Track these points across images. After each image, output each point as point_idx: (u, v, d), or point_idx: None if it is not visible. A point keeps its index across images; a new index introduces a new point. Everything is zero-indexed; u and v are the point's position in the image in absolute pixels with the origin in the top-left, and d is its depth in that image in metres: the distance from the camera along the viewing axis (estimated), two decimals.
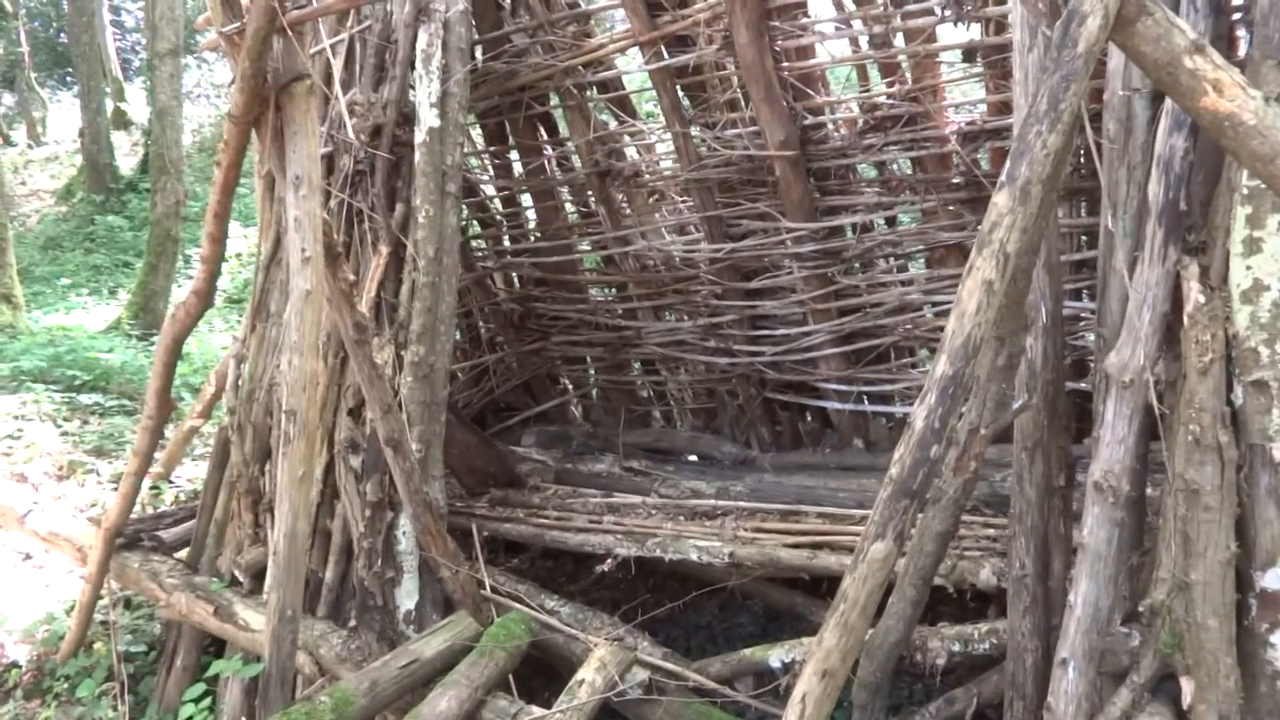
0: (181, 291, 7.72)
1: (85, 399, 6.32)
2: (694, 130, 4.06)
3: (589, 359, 5.12)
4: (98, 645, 4.11)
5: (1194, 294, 2.25)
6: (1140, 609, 2.31)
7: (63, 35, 20.05)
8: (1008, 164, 1.79)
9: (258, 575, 3.82)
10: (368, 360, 3.17)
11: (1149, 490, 2.47)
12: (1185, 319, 2.21)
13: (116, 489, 5.89)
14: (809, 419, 4.61)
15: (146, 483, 4.29)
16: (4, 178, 10.40)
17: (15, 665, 4.33)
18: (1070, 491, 2.72)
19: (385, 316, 3.74)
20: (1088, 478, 2.36)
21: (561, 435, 5.11)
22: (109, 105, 16.55)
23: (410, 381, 3.60)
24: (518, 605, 3.61)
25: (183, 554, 4.22)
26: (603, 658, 3.15)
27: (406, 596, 3.53)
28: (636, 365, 5.10)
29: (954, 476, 2.56)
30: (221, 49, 2.75)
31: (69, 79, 20.00)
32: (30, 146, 18.28)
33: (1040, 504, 2.64)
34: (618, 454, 4.70)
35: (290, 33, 2.69)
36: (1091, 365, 3.19)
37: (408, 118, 3.80)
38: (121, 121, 17.82)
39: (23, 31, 19.06)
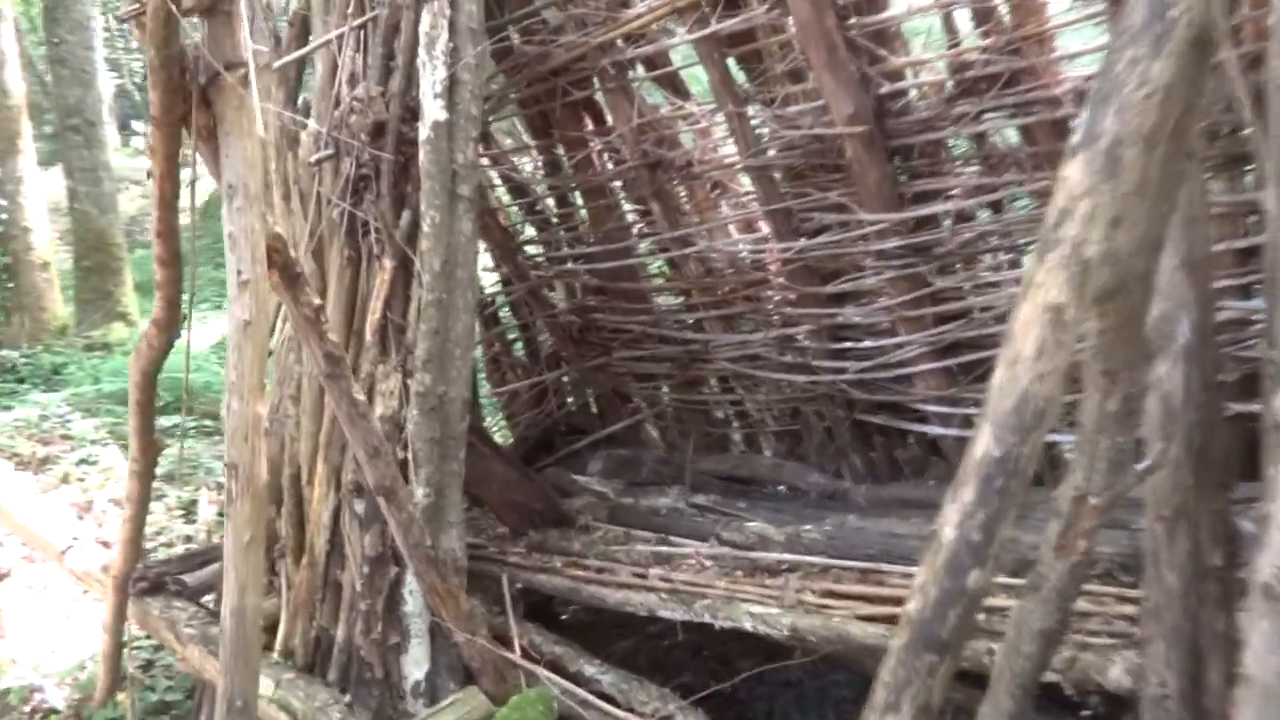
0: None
1: (165, 421, 6.17)
2: (751, 109, 3.41)
3: (658, 376, 4.53)
4: (122, 696, 3.83)
5: None
6: None
7: None
8: (1083, 115, 1.12)
9: (272, 629, 3.43)
10: (345, 397, 2.69)
11: None
12: None
13: (183, 517, 5.73)
14: (910, 445, 3.89)
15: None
16: (117, 201, 10.60)
17: (55, 711, 4.12)
18: (1232, 574, 1.97)
19: (393, 340, 3.27)
20: (1254, 573, 1.63)
21: (630, 461, 4.55)
22: None
23: (416, 415, 3.11)
24: (549, 675, 3.08)
25: (211, 598, 3.91)
26: None
27: (414, 665, 3.05)
28: (713, 382, 4.48)
29: (1057, 559, 1.85)
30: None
31: None
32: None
33: (1185, 595, 1.90)
34: (686, 485, 4.10)
35: (211, 14, 2.23)
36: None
37: (415, 112, 3.32)
38: None
39: None
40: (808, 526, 3.36)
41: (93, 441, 5.97)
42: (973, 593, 1.20)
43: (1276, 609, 1.59)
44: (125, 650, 3.82)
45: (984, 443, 1.19)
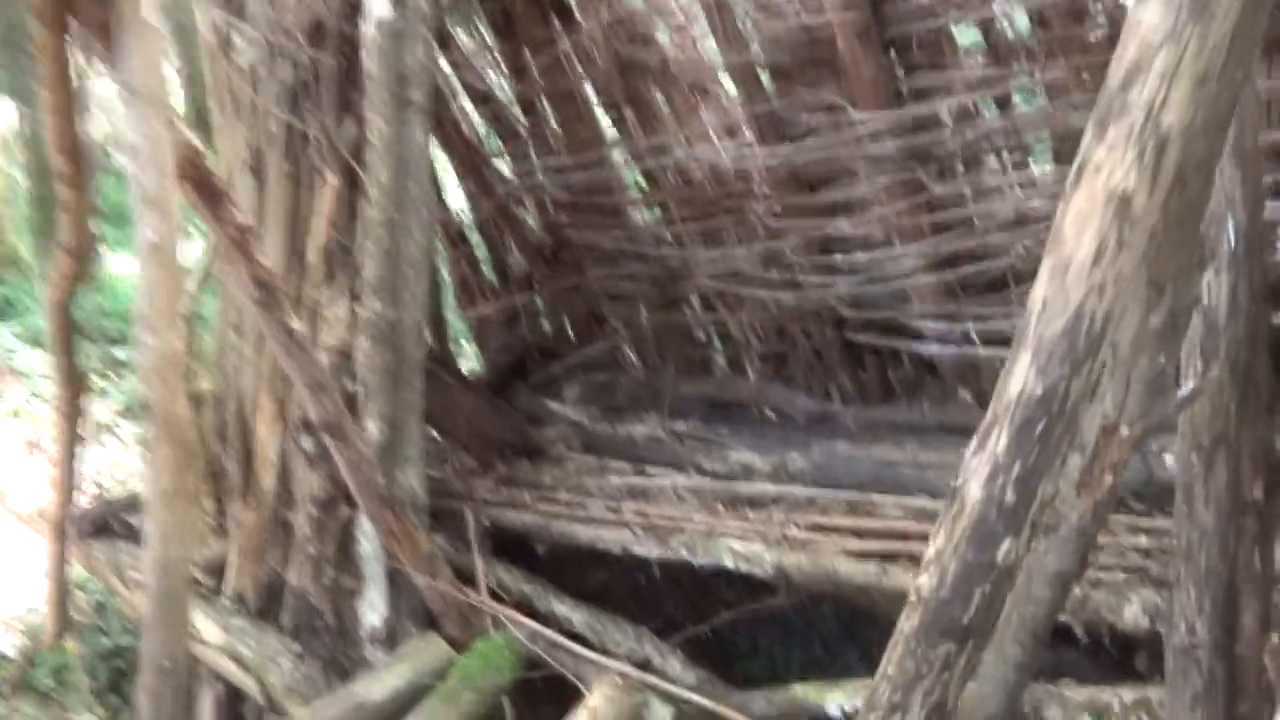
0: None
1: (122, 353, 5.89)
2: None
3: (635, 296, 4.25)
4: (69, 645, 3.63)
5: None
6: None
7: None
8: None
9: (219, 573, 3.21)
10: (279, 326, 2.42)
11: None
12: None
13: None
14: (904, 365, 3.64)
15: None
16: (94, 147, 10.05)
17: (3, 656, 3.93)
18: (1274, 509, 1.74)
19: (339, 263, 2.98)
20: None
21: (608, 386, 4.30)
22: None
23: (366, 345, 2.85)
24: (516, 617, 2.88)
25: None
26: (596, 707, 2.38)
27: (371, 610, 2.84)
28: (694, 301, 4.20)
29: (1080, 497, 1.62)
30: None
31: None
32: None
33: (1223, 534, 1.68)
34: (665, 411, 3.86)
35: None
36: None
37: (357, 9, 2.97)
38: None
39: None
40: (794, 454, 3.14)
41: (44, 376, 5.68)
42: (1004, 568, 0.96)
43: None
44: (71, 594, 3.61)
45: (1020, 376, 0.94)
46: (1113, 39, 2.47)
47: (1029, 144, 3.00)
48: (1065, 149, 2.90)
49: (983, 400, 3.34)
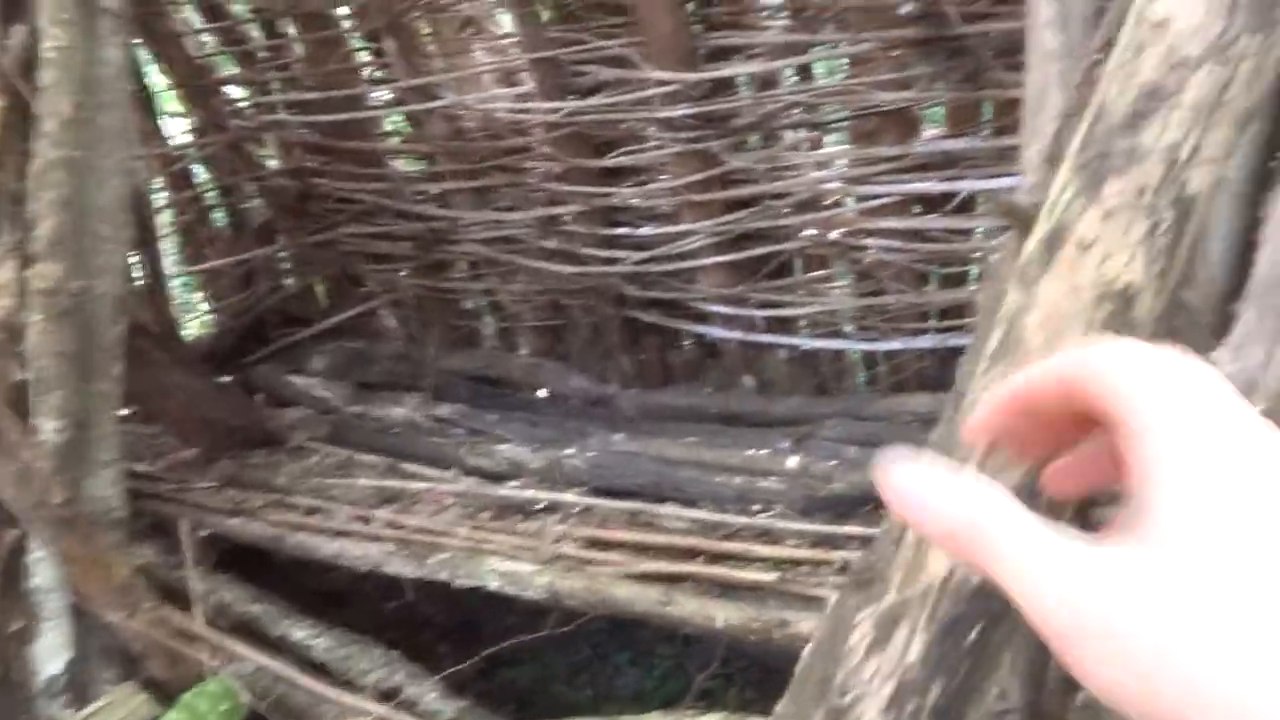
0: None
1: None
2: None
3: (396, 257, 3.77)
4: None
5: None
6: None
7: None
8: None
9: None
10: None
11: None
12: None
13: None
14: (685, 347, 3.41)
15: None
16: None
17: None
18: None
19: (5, 214, 2.34)
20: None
21: (363, 356, 3.82)
22: None
23: (41, 321, 2.25)
24: (240, 650, 2.43)
25: None
26: None
27: (50, 656, 2.29)
28: (462, 266, 3.78)
29: None
30: None
31: None
32: None
33: None
34: (428, 391, 3.45)
35: None
36: None
37: None
38: None
39: None
40: (569, 451, 2.83)
41: None
42: None
43: None
44: None
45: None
46: (925, 16, 2.29)
47: (828, 120, 2.79)
48: (864, 129, 2.73)
49: (765, 388, 3.20)
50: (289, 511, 2.67)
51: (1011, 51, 2.14)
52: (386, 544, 2.48)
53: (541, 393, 3.60)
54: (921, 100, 2.51)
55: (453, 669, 2.32)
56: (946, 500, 0.36)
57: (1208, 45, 0.52)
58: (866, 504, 2.43)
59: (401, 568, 2.43)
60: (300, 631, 2.56)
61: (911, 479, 0.37)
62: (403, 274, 3.80)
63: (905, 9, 2.32)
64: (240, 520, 2.68)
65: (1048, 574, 0.33)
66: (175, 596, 2.56)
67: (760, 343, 3.13)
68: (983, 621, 0.72)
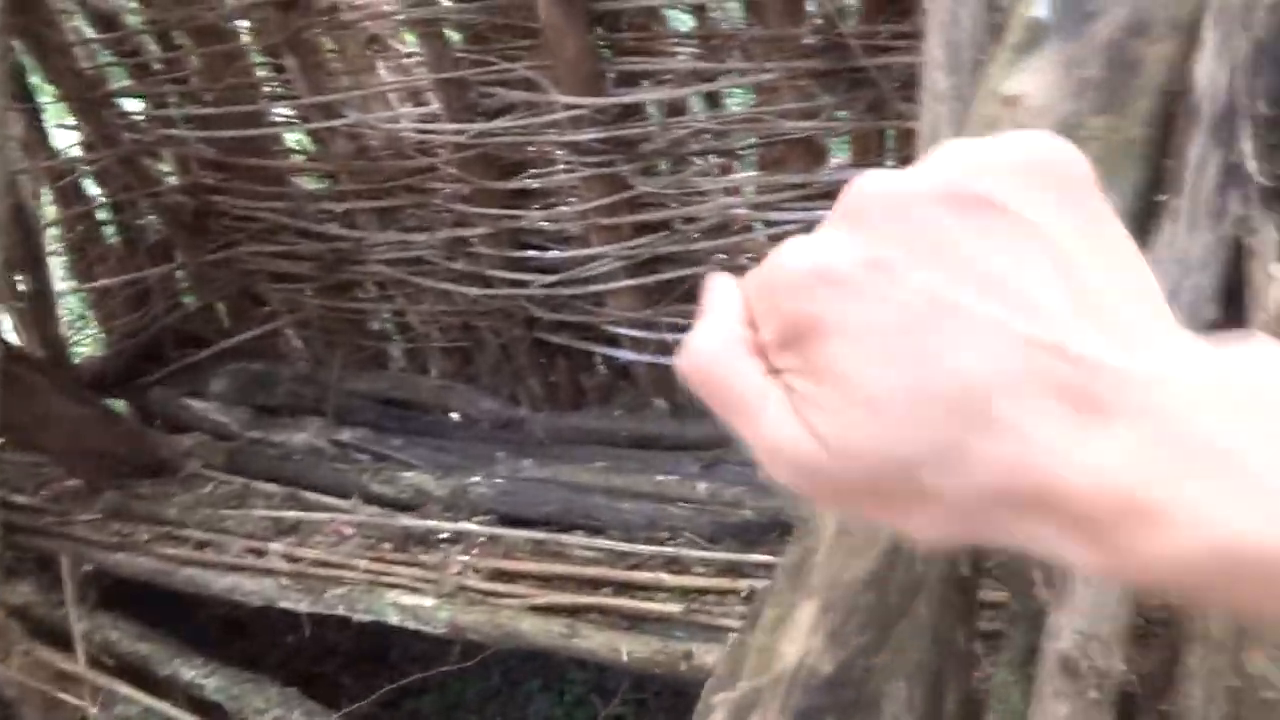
0: None
1: None
2: None
3: (299, 277, 3.67)
4: None
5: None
6: None
7: None
8: None
9: None
10: None
11: None
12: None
13: None
14: (597, 370, 3.39)
15: None
16: None
17: None
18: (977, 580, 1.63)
19: None
20: (1045, 639, 1.25)
21: (265, 379, 3.71)
22: None
23: None
24: (125, 691, 2.31)
25: None
26: None
27: None
28: (369, 286, 3.69)
29: None
30: None
31: None
32: None
33: (935, 618, 1.53)
34: (331, 416, 3.35)
35: None
36: None
37: None
38: None
39: None
40: (475, 478, 2.78)
41: None
42: None
43: (1080, 690, 1.22)
44: None
45: (800, 636, 0.64)
46: (828, 48, 2.31)
47: (737, 147, 2.81)
48: (771, 156, 2.75)
49: (677, 411, 3.19)
50: (179, 545, 2.55)
51: (912, 84, 2.18)
52: (282, 578, 2.38)
53: (454, 416, 3.53)
54: (826, 129, 2.54)
55: (355, 705, 2.23)
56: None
57: (1055, 124, 0.51)
58: (774, 530, 2.44)
59: (297, 603, 2.35)
60: (190, 670, 2.45)
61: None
62: (307, 294, 3.69)
63: (808, 39, 2.34)
64: (126, 555, 2.55)
65: None
66: (55, 637, 2.43)
67: (671, 365, 3.11)
68: (832, 715, 0.71)
